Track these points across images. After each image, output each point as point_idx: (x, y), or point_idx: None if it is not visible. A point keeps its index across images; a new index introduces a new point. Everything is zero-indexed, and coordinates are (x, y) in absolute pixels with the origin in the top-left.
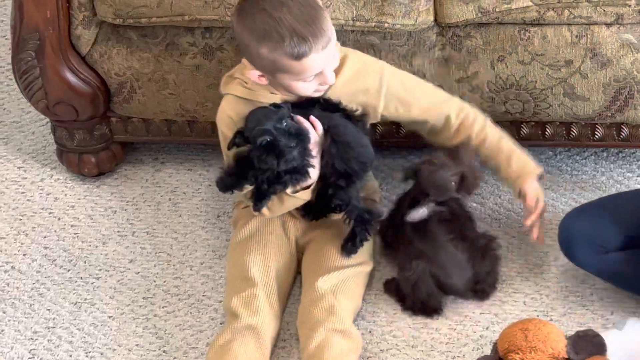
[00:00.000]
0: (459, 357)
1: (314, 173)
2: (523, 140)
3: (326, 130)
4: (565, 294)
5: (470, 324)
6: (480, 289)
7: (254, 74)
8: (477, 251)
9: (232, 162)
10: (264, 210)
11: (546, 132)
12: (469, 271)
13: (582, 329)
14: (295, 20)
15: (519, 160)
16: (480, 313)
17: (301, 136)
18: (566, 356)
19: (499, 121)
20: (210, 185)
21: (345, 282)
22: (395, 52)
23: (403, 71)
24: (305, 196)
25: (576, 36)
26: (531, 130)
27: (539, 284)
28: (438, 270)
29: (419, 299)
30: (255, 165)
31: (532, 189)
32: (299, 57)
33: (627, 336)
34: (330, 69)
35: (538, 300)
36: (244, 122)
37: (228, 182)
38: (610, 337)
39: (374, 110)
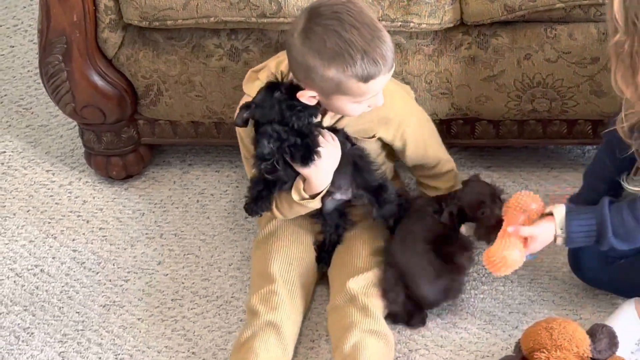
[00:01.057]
0: (487, 356)
1: (320, 169)
2: (550, 139)
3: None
4: (594, 292)
5: (499, 323)
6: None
7: (305, 94)
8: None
9: (252, 187)
10: (275, 211)
11: (574, 130)
12: (440, 283)
13: (602, 326)
14: (365, 42)
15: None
16: (510, 312)
17: (312, 109)
18: (590, 355)
19: (526, 120)
20: (237, 187)
21: (375, 282)
22: (421, 51)
23: (425, 122)
24: (314, 204)
25: (603, 33)
26: (559, 128)
27: (567, 283)
28: (409, 281)
29: (394, 309)
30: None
31: None
32: (367, 79)
33: (620, 313)
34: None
35: (567, 299)
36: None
37: (254, 208)
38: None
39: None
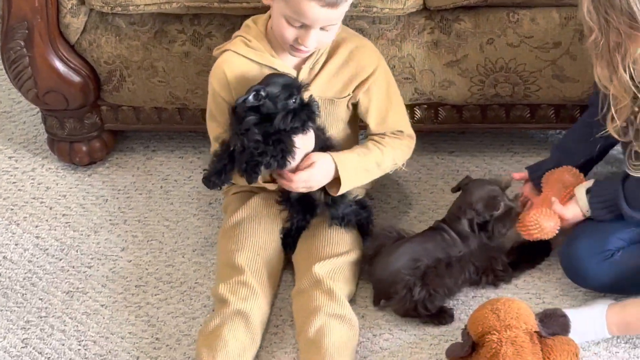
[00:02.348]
0: (451, 340)
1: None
2: (513, 124)
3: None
4: (557, 275)
5: (463, 307)
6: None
7: None
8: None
9: (216, 159)
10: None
11: (537, 115)
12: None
13: (550, 307)
14: None
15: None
16: (473, 297)
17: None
18: (537, 330)
19: (489, 104)
20: (201, 173)
21: (340, 268)
22: (384, 36)
23: (392, 83)
24: (274, 186)
25: (565, 18)
26: (522, 112)
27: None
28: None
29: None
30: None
31: None
32: None
33: (592, 309)
34: (316, 34)
35: (530, 283)
36: (261, 82)
37: (215, 180)
38: (578, 313)
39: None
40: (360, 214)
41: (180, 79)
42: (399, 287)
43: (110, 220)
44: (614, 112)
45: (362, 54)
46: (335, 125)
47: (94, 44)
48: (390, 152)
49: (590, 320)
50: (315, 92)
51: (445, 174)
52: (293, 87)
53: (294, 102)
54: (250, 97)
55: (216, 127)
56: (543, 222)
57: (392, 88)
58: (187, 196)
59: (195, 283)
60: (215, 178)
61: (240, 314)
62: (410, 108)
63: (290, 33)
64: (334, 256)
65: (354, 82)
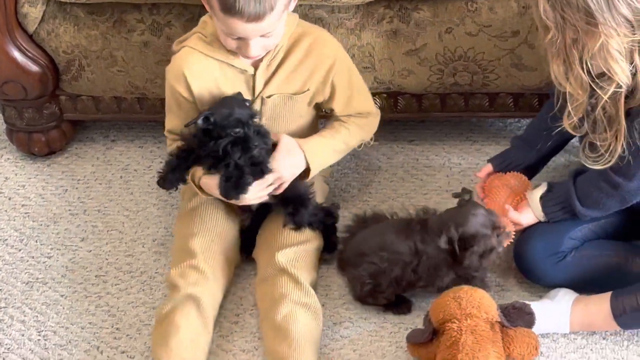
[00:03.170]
0: (412, 327)
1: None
2: (472, 112)
3: None
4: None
5: (422, 293)
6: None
7: None
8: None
9: (174, 159)
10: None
11: (495, 103)
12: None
13: (519, 301)
14: None
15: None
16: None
17: (266, 138)
18: (499, 320)
19: (448, 93)
20: (161, 162)
21: (302, 256)
22: (343, 25)
23: (353, 68)
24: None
25: (523, 7)
26: (480, 101)
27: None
28: None
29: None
30: (219, 152)
31: None
32: (226, 10)
33: (556, 304)
34: (257, 43)
35: (491, 271)
36: (212, 107)
37: (171, 179)
38: (542, 305)
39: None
40: (325, 221)
41: (140, 69)
42: (350, 276)
43: (69, 210)
44: (570, 109)
45: (320, 46)
46: (295, 121)
47: (53, 34)
48: (357, 131)
49: (554, 317)
50: (274, 89)
51: (405, 163)
52: (242, 115)
53: (238, 132)
54: (200, 121)
55: (173, 119)
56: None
57: (354, 74)
58: (147, 186)
59: (156, 273)
60: (172, 176)
61: (192, 298)
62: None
63: (231, 44)
64: (295, 244)
65: (315, 75)
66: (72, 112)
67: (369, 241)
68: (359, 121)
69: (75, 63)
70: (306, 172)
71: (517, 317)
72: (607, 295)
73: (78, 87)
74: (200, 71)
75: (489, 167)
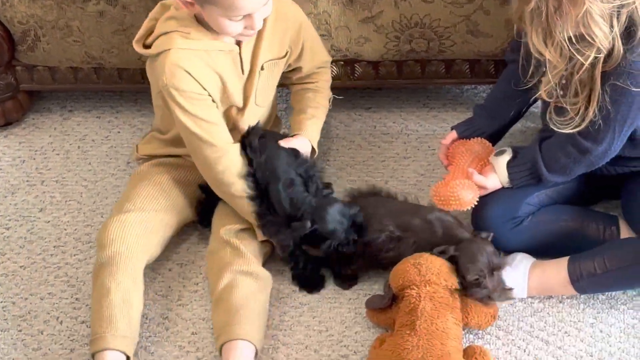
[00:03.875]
0: (370, 293)
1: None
2: (429, 79)
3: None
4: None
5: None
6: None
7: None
8: None
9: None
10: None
11: (452, 70)
12: None
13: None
14: None
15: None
16: None
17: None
18: (458, 287)
19: (405, 60)
20: (119, 132)
21: (248, 228)
22: None
23: (311, 24)
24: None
25: None
26: (437, 68)
27: None
28: None
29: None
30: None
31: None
32: None
33: (515, 270)
34: (260, 15)
35: None
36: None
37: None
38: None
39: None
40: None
41: (96, 39)
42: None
43: (27, 181)
44: (550, 77)
45: (285, 8)
46: (273, 89)
47: (7, 4)
48: (326, 87)
49: (512, 282)
50: (264, 58)
51: (363, 130)
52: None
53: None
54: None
55: (218, 131)
56: (462, 193)
57: (312, 29)
58: (105, 156)
59: None
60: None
61: (119, 255)
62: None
63: (236, 27)
64: (240, 221)
65: (287, 36)
66: (29, 83)
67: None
68: (325, 75)
69: (31, 33)
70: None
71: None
72: (564, 261)
73: (34, 57)
74: (195, 67)
75: (454, 134)
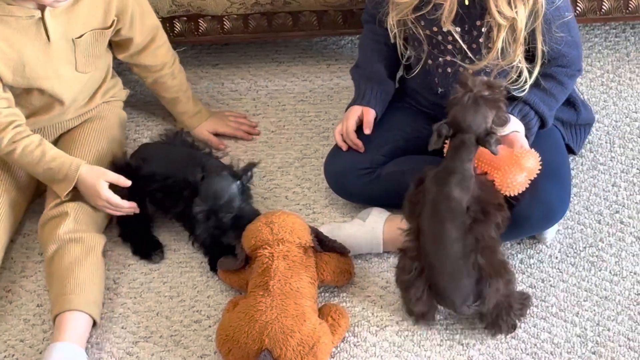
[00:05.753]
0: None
1: None
2: (276, 32)
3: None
4: (326, 185)
5: None
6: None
7: None
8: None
9: None
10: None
11: (299, 23)
12: (470, 290)
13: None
14: None
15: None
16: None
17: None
18: (312, 245)
19: (251, 13)
20: None
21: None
22: None
23: None
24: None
25: None
26: (284, 21)
27: (300, 177)
28: (437, 280)
29: (407, 301)
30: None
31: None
32: None
33: (368, 226)
34: None
35: (300, 194)
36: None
37: None
38: (354, 227)
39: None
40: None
41: None
42: None
43: None
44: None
45: None
46: (101, 55)
47: None
48: (175, 60)
49: (367, 238)
50: (81, 28)
51: (210, 88)
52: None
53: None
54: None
55: None
56: (519, 179)
57: None
58: None
59: None
60: None
61: None
62: (170, 21)
63: None
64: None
65: (111, 8)
66: None
67: None
68: (168, 47)
69: None
70: None
71: (330, 241)
72: None
73: None
74: None
75: (372, 113)
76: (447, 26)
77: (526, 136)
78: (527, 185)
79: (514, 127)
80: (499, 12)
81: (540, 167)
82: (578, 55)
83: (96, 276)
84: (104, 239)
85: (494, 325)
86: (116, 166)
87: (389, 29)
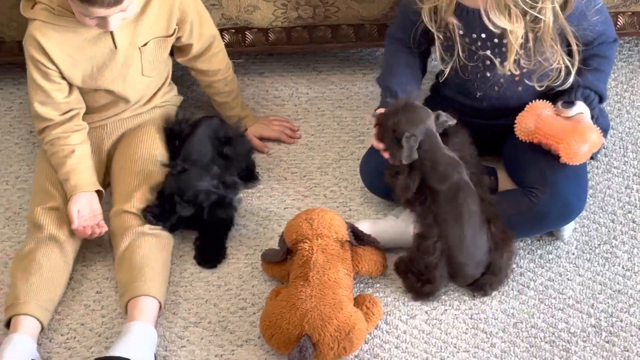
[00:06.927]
0: (266, 247)
1: None
2: (317, 44)
3: None
4: (361, 184)
5: (275, 218)
6: (482, 284)
7: None
8: (497, 242)
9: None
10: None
11: (338, 35)
12: (484, 261)
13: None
14: None
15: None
16: (285, 208)
17: None
18: (348, 239)
19: (294, 26)
20: (21, 103)
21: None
22: None
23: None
24: None
25: None
26: (324, 33)
27: (337, 177)
28: (456, 249)
29: (426, 281)
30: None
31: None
32: (83, 1)
33: (401, 222)
34: (115, 18)
35: (337, 192)
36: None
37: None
38: (388, 223)
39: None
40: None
41: None
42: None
43: None
44: (515, 46)
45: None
46: (162, 61)
47: None
48: (229, 67)
49: (400, 234)
50: (147, 36)
51: (256, 95)
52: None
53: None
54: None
55: (43, 98)
56: (583, 148)
57: (199, 5)
58: (9, 126)
59: (20, 208)
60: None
61: (54, 239)
62: (219, 33)
63: (90, 22)
64: (137, 188)
65: (173, 15)
66: None
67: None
68: (229, 62)
69: None
70: None
71: (365, 236)
72: None
73: None
74: (58, 42)
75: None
76: (447, 18)
77: (591, 115)
78: (588, 159)
79: (579, 109)
80: (491, 22)
81: (604, 143)
82: (612, 27)
83: (166, 269)
84: (173, 240)
85: (481, 288)
86: (167, 122)
87: (431, 27)
